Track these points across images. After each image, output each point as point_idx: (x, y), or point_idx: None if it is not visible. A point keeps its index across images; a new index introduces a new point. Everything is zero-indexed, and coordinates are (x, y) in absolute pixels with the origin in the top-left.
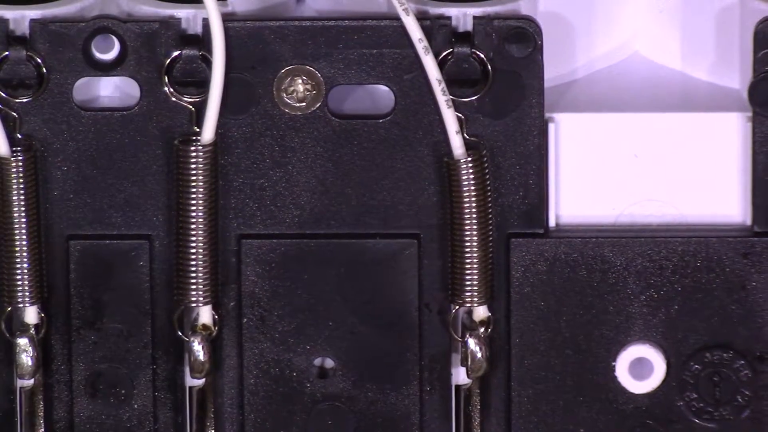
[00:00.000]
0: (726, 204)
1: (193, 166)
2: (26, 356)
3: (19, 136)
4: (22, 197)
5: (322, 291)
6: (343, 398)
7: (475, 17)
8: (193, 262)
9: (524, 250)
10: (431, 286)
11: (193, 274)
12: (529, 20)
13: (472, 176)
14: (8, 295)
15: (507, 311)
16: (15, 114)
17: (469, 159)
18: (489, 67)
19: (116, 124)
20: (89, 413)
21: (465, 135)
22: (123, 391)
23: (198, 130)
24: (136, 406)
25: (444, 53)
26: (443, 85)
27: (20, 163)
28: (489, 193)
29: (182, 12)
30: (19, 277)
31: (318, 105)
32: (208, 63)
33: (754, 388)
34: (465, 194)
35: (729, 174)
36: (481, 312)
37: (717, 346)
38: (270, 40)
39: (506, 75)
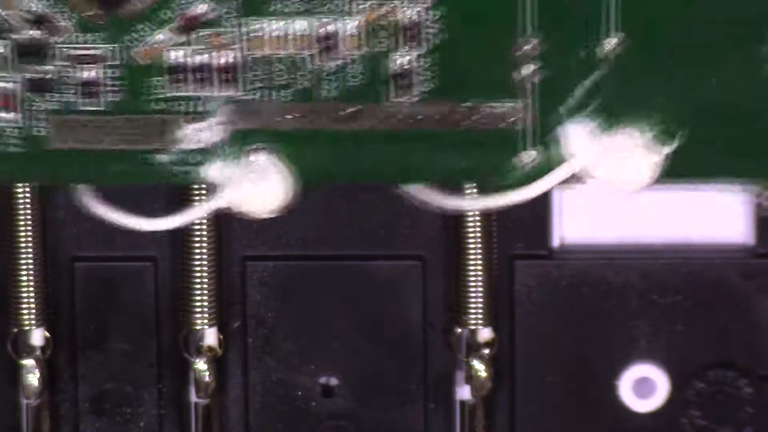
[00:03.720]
0: (729, 224)
1: (196, 189)
2: (32, 378)
3: None
4: (28, 219)
5: (326, 312)
6: (348, 417)
7: None
8: (198, 286)
9: (528, 272)
10: (435, 306)
11: (198, 298)
12: None
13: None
14: (14, 317)
15: (511, 331)
16: None
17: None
18: None
19: None
20: (95, 431)
21: None
22: (129, 410)
23: None
24: (141, 424)
25: None
26: None
27: (26, 185)
28: (493, 215)
29: None
30: (24, 299)
31: None
32: None
33: (756, 406)
34: (469, 217)
35: (732, 194)
36: (485, 333)
37: (720, 365)
38: None
39: None
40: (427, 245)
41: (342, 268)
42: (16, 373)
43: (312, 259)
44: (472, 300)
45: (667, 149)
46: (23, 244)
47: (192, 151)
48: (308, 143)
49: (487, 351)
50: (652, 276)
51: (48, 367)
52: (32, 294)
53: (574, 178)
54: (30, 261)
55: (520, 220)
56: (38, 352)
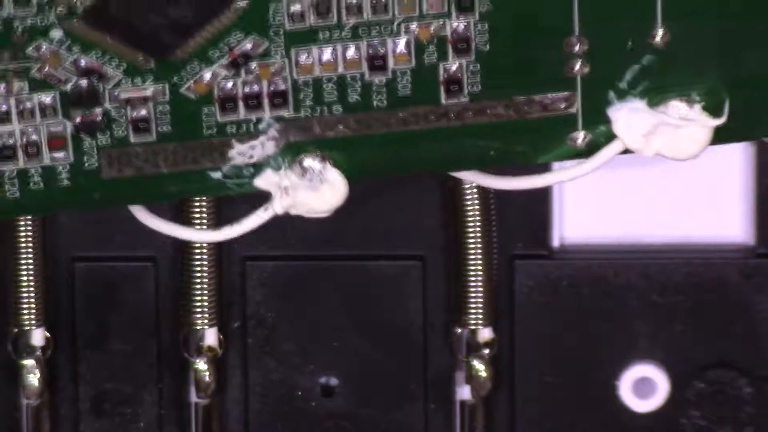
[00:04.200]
0: (729, 225)
1: None
2: (32, 378)
3: None
4: (28, 219)
5: (326, 312)
6: (348, 417)
7: None
8: (198, 286)
9: (528, 272)
10: (435, 306)
11: (198, 298)
12: None
13: (476, 199)
14: (15, 317)
15: (511, 331)
16: None
17: (475, 183)
18: None
19: None
20: (95, 431)
21: None
22: (129, 410)
23: None
24: (141, 424)
25: None
26: None
27: None
28: (493, 215)
29: None
30: (25, 300)
31: None
32: None
33: (756, 406)
34: (470, 217)
35: (732, 194)
36: (485, 333)
37: (720, 365)
38: None
39: None
40: (427, 245)
41: (342, 268)
42: (16, 373)
43: (312, 259)
44: (472, 300)
45: (715, 121)
46: (23, 244)
47: (245, 165)
48: (361, 146)
49: (487, 351)
50: (652, 276)
51: (48, 367)
52: (32, 294)
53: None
54: (30, 261)
55: (520, 220)
56: (38, 352)
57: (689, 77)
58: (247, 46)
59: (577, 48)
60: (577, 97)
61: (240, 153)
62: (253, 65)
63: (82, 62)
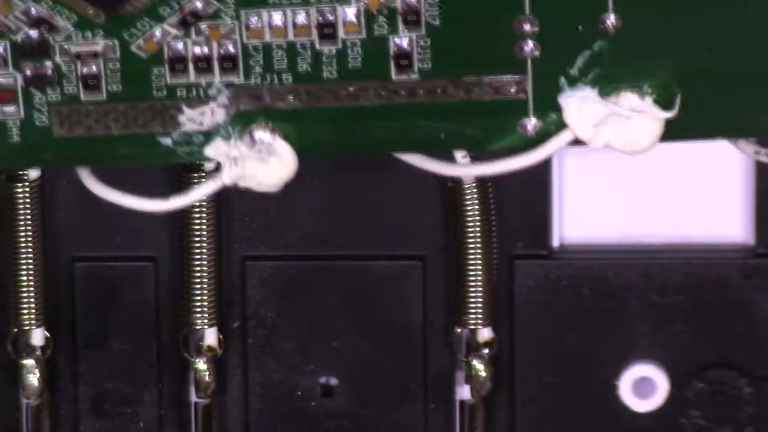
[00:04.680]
0: (729, 225)
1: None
2: (32, 377)
3: None
4: (28, 219)
5: (326, 312)
6: (348, 417)
7: None
8: (198, 286)
9: (528, 272)
10: (435, 306)
11: (198, 298)
12: None
13: (476, 200)
14: (14, 317)
15: (511, 331)
16: None
17: (474, 183)
18: None
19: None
20: (95, 431)
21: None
22: (129, 410)
23: None
24: (141, 424)
25: None
26: None
27: (26, 186)
28: (493, 216)
29: None
30: (25, 299)
31: None
32: None
33: (756, 406)
34: (470, 217)
35: (732, 194)
36: (485, 333)
37: (720, 365)
38: None
39: None
40: (427, 245)
41: (342, 268)
42: (16, 373)
43: (312, 259)
44: (472, 300)
45: (666, 113)
46: (23, 244)
47: (195, 132)
48: (311, 120)
49: (487, 351)
50: (652, 276)
51: (48, 367)
52: (32, 294)
53: (576, 144)
54: (30, 261)
55: (520, 220)
56: (38, 352)
57: (641, 68)
58: (197, 4)
59: (527, 28)
60: (527, 82)
61: (190, 119)
62: (203, 26)
63: (33, 11)
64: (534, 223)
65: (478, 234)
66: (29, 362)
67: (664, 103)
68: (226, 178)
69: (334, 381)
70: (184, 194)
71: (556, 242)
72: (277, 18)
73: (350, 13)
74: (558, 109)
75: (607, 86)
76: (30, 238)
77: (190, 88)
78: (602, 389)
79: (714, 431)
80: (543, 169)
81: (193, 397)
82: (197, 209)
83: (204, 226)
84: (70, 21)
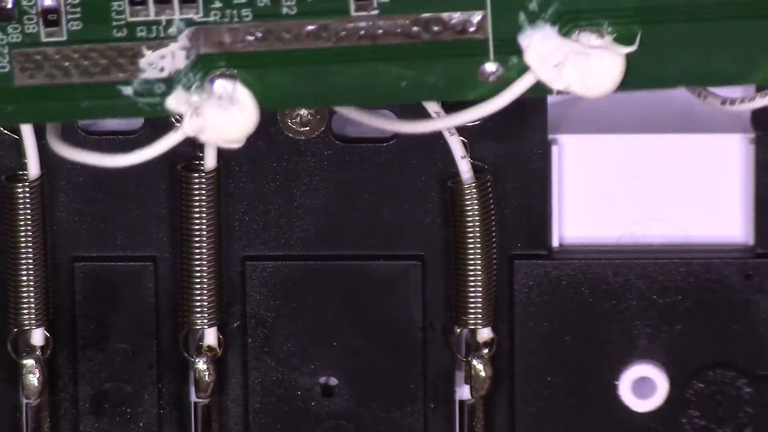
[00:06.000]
0: (728, 224)
1: (196, 192)
2: (32, 377)
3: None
4: (28, 220)
5: (326, 312)
6: (348, 416)
7: None
8: (198, 286)
9: (528, 272)
10: (435, 306)
11: (198, 298)
12: None
13: (476, 200)
14: (14, 317)
15: (511, 331)
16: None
17: (474, 183)
18: None
19: (120, 148)
20: (95, 431)
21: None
22: (128, 410)
23: (201, 155)
24: (141, 424)
25: None
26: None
27: (26, 186)
28: (493, 216)
29: None
30: (25, 299)
31: (321, 129)
32: None
33: (756, 406)
34: (469, 217)
35: (731, 194)
36: (484, 333)
37: (719, 365)
38: None
39: None
40: (427, 245)
41: (342, 268)
42: (16, 373)
43: (312, 259)
44: (472, 300)
45: (625, 48)
46: (23, 244)
47: (156, 81)
48: (272, 64)
49: (486, 351)
50: (652, 276)
51: (48, 367)
52: (32, 294)
53: (540, 88)
54: (30, 261)
55: (520, 219)
56: (38, 352)
57: (601, 2)
58: None
59: None
60: (487, 19)
61: (150, 63)
62: None
63: None
64: (533, 223)
65: (478, 234)
66: (29, 362)
67: (624, 41)
68: (187, 128)
69: (334, 381)
70: (148, 148)
71: (555, 242)
72: None
73: None
74: (519, 51)
75: (566, 25)
76: (30, 238)
77: (150, 26)
78: (602, 389)
79: (713, 429)
80: (543, 169)
81: (193, 397)
82: (197, 209)
83: (204, 226)
84: None
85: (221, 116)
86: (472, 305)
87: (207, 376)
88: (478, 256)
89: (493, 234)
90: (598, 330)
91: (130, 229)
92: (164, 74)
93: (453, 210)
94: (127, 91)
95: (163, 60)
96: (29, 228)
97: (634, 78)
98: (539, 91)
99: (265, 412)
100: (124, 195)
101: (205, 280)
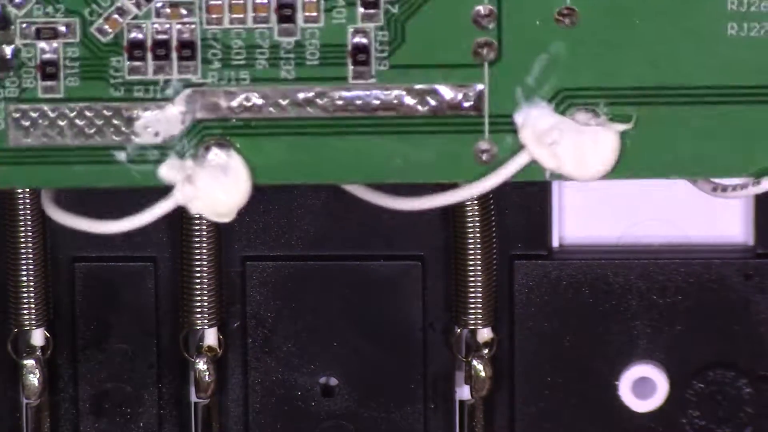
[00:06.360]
0: (728, 224)
1: None
2: (32, 377)
3: None
4: (28, 219)
5: (326, 312)
6: (348, 417)
7: None
8: (198, 286)
9: (528, 272)
10: (435, 306)
11: (198, 298)
12: None
13: (476, 200)
14: (15, 317)
15: (511, 332)
16: None
17: None
18: None
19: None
20: (95, 431)
21: None
22: (129, 410)
23: None
24: (141, 424)
25: None
26: None
27: None
28: (492, 215)
29: None
30: (25, 299)
31: None
32: None
33: (756, 407)
34: (469, 217)
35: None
36: (485, 333)
37: (719, 365)
38: None
39: None
40: (427, 245)
41: (342, 268)
42: (16, 373)
43: (312, 259)
44: (472, 300)
45: (621, 125)
46: (23, 244)
47: (150, 146)
48: (266, 135)
49: (486, 351)
50: (652, 276)
51: (48, 367)
52: (32, 294)
53: (533, 171)
54: (30, 261)
55: (520, 220)
56: (38, 352)
57: (597, 79)
58: None
59: (485, 21)
60: (484, 95)
61: (146, 126)
62: (162, 3)
63: None
64: (534, 223)
65: (478, 234)
66: (29, 362)
67: (620, 122)
68: (179, 196)
69: (334, 381)
70: (139, 215)
71: (555, 242)
72: None
73: None
74: (513, 129)
75: (562, 103)
76: (30, 238)
77: (147, 86)
78: (602, 389)
79: (713, 429)
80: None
81: (193, 397)
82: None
83: (204, 226)
84: None
85: (214, 187)
86: (472, 305)
87: (207, 377)
88: (478, 256)
89: (493, 234)
90: (598, 330)
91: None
92: (159, 139)
93: (453, 210)
94: (121, 156)
95: (158, 123)
96: (29, 228)
97: (627, 166)
98: (532, 174)
99: (265, 412)
100: (124, 195)
101: (205, 280)
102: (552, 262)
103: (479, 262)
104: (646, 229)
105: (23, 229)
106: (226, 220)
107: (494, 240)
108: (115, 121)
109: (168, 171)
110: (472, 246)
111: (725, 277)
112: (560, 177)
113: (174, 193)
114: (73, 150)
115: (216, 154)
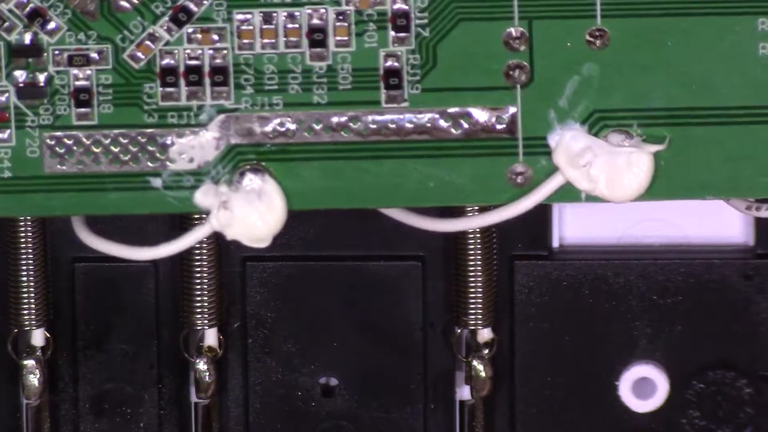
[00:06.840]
0: (728, 225)
1: None
2: (33, 378)
3: None
4: (28, 219)
5: (326, 312)
6: (348, 417)
7: None
8: (198, 287)
9: (528, 272)
10: (435, 306)
11: (198, 298)
12: None
13: None
14: (15, 317)
15: (511, 332)
16: None
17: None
18: None
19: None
20: (95, 431)
21: None
22: (129, 410)
23: None
24: (141, 424)
25: None
26: None
27: None
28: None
29: None
30: (25, 300)
31: None
32: None
33: (756, 407)
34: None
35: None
36: (485, 333)
37: (720, 365)
38: None
39: None
40: (427, 245)
41: (342, 268)
42: (16, 374)
43: (312, 259)
44: (472, 300)
45: (656, 147)
46: (23, 244)
47: (185, 173)
48: (300, 161)
49: (487, 351)
50: (652, 276)
51: (48, 368)
52: (32, 294)
53: (568, 193)
54: (30, 261)
55: (520, 220)
56: (38, 353)
57: (630, 100)
58: (189, 2)
59: (516, 43)
60: (517, 118)
61: (180, 153)
62: (193, 29)
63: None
64: (534, 223)
65: (478, 234)
66: (29, 363)
67: (653, 142)
68: (214, 222)
69: (334, 381)
70: (174, 241)
71: (555, 242)
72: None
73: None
74: (547, 152)
75: (595, 125)
76: (30, 238)
77: (181, 112)
78: (602, 389)
79: (713, 430)
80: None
81: (194, 398)
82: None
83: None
84: (64, 18)
85: (249, 212)
86: (473, 305)
87: (207, 377)
88: (478, 256)
89: (494, 234)
90: (598, 330)
91: (130, 229)
92: (194, 165)
93: (453, 210)
94: (156, 183)
95: (193, 149)
96: (29, 228)
97: (661, 186)
98: (567, 195)
99: (266, 412)
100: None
101: (206, 280)
102: (552, 262)
103: (479, 263)
104: (646, 229)
105: (23, 229)
106: (263, 245)
107: (494, 240)
108: (150, 148)
109: (203, 197)
110: (472, 246)
111: (725, 277)
112: (595, 199)
113: (210, 219)
114: (108, 177)
115: (251, 180)
